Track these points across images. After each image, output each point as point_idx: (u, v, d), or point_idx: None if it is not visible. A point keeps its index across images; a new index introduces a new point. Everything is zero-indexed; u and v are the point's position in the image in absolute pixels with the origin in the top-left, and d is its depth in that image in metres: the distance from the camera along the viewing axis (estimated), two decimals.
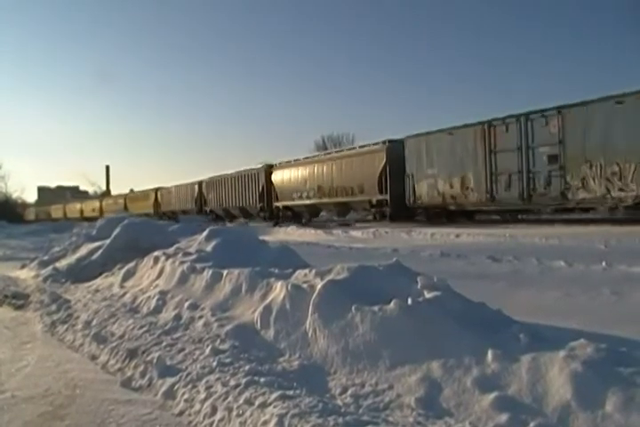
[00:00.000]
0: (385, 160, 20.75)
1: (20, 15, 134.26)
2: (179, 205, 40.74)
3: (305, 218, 27.61)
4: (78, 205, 64.31)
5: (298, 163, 27.51)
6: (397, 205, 20.37)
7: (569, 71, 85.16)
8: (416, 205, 19.96)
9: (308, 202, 26.12)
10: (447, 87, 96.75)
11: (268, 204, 29.17)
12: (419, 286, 3.71)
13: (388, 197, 20.68)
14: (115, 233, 9.83)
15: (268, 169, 29.47)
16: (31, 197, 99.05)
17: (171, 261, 6.50)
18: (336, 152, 26.41)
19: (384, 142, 21.44)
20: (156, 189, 45.51)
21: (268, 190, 28.99)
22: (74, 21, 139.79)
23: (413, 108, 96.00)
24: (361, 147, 23.70)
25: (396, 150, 20.62)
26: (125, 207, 49.69)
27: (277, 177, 28.53)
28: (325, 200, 24.83)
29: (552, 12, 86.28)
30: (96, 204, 58.76)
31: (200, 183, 37.53)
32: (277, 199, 28.42)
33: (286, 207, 28.16)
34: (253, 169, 31.08)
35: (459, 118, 74.40)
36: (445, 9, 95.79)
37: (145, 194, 48.04)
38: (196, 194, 37.80)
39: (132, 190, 57.08)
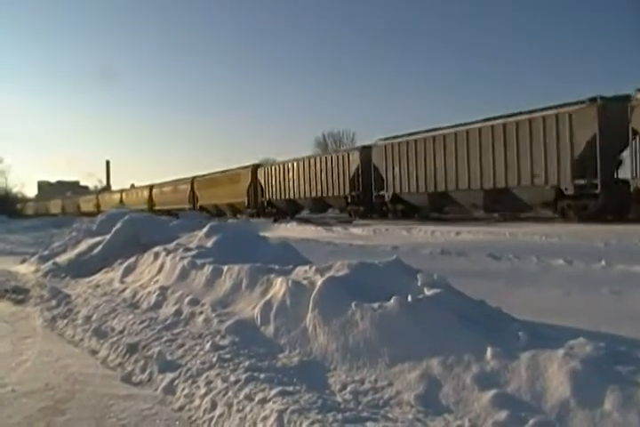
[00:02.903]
0: None
1: (22, 8, 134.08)
2: (306, 190, 26.21)
3: None
4: (117, 196, 51.11)
5: None
6: None
7: (568, 70, 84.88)
8: None
9: None
10: (448, 84, 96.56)
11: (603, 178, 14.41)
12: (419, 284, 3.73)
13: None
14: (115, 228, 9.84)
15: (610, 104, 14.23)
16: (31, 191, 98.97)
17: (171, 256, 6.51)
18: None
19: None
20: (255, 167, 31.26)
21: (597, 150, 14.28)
22: (75, 16, 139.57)
23: (414, 106, 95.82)
24: None
25: None
26: (192, 197, 37.19)
27: None
28: None
29: (552, 10, 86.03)
30: (143, 193, 45.78)
31: (365, 151, 23.05)
32: None
33: None
34: (547, 110, 15.62)
35: (461, 115, 74.25)
36: (447, 6, 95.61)
37: (231, 176, 32.94)
38: (352, 171, 23.30)
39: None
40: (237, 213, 32.37)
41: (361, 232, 16.00)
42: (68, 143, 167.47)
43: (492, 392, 2.65)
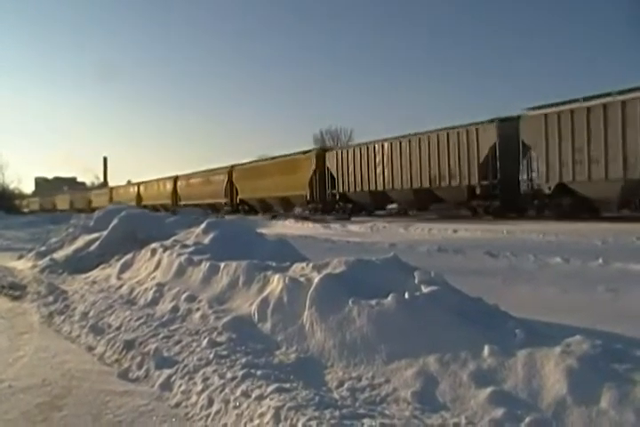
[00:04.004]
0: None
1: (23, 3, 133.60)
2: (403, 179, 20.25)
3: None
4: (133, 189, 44.37)
5: None
6: None
7: (569, 66, 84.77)
8: None
9: None
10: (447, 81, 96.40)
11: None
12: (416, 281, 3.72)
13: None
14: (112, 224, 9.81)
15: None
16: (28, 187, 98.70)
17: (168, 253, 6.50)
18: None
19: None
20: (322, 151, 24.90)
21: None
22: (76, 12, 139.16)
23: (411, 103, 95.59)
24: None
25: None
26: (230, 190, 30.98)
27: None
28: None
29: (553, 6, 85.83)
30: (166, 186, 38.63)
31: (505, 125, 17.04)
32: None
33: None
34: None
35: (460, 113, 74.22)
36: (447, 3, 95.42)
37: (286, 163, 26.71)
38: (482, 153, 17.38)
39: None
40: (291, 209, 27.47)
41: (358, 229, 16.00)
42: (66, 140, 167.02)
43: (488, 390, 2.65)
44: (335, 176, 23.86)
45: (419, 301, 3.40)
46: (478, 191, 17.72)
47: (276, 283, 4.27)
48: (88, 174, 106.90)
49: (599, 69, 79.51)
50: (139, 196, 43.95)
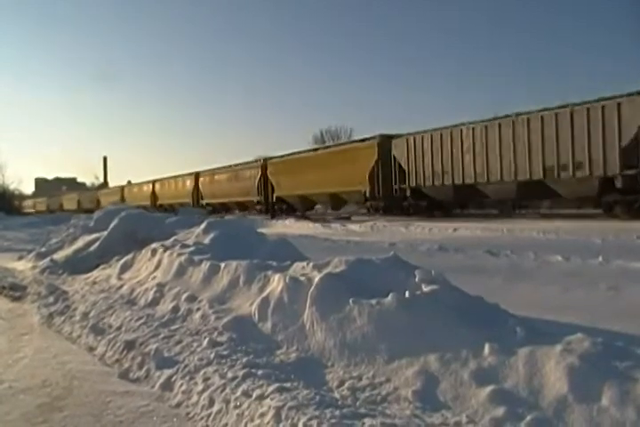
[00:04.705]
0: None
1: (23, 4, 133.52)
2: (506, 168, 16.47)
3: None
4: (147, 188, 41.88)
5: None
6: None
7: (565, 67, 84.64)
8: None
9: None
10: (446, 82, 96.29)
11: None
12: (416, 280, 3.72)
13: None
14: (112, 225, 9.81)
15: None
16: (28, 188, 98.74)
17: (168, 253, 6.49)
18: None
19: None
20: (386, 138, 21.11)
21: None
22: (75, 10, 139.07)
23: (411, 103, 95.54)
24: None
25: None
26: (264, 187, 27.97)
27: None
28: None
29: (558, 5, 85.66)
30: (185, 183, 36.05)
31: None
32: None
33: None
34: None
35: (460, 113, 74.15)
36: (446, 3, 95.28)
37: (338, 154, 23.40)
38: (628, 134, 13.54)
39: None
40: (342, 206, 24.65)
41: (358, 229, 15.99)
42: (65, 140, 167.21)
43: (489, 388, 2.65)
44: (405, 168, 19.88)
45: (419, 300, 3.39)
46: (619, 184, 13.83)
47: (276, 282, 4.27)
48: (88, 175, 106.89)
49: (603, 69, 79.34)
50: (154, 195, 41.07)
